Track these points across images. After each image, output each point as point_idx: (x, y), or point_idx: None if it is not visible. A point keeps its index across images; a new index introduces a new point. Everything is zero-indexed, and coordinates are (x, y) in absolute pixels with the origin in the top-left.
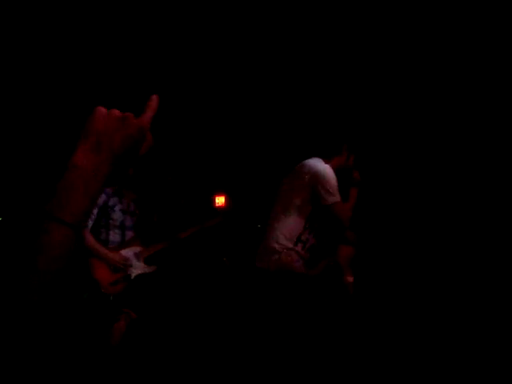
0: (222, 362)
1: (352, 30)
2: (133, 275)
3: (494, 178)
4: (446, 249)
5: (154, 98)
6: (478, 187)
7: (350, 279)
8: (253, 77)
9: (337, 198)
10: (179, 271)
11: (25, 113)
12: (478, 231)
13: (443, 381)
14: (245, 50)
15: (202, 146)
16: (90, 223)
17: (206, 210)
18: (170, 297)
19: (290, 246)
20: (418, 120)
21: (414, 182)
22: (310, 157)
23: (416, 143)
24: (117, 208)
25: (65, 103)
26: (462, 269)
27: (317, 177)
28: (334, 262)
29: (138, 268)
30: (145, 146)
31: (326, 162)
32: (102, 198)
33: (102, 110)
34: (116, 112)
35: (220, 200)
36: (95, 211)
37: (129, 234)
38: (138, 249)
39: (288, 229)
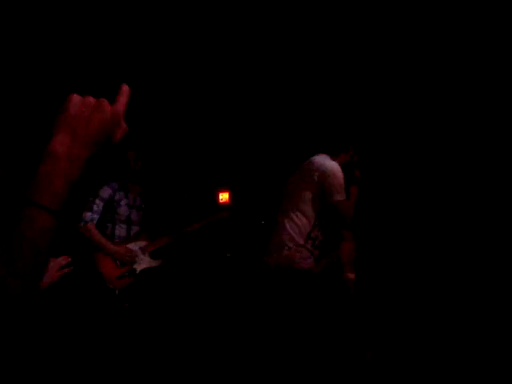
0: (226, 356)
1: (363, 32)
2: (138, 269)
3: (494, 176)
4: (447, 247)
5: (125, 86)
6: (478, 188)
7: (351, 276)
8: (258, 73)
9: (343, 195)
10: (184, 266)
11: None
12: (479, 230)
13: (444, 379)
14: (250, 46)
15: (206, 141)
16: (96, 217)
17: (209, 206)
18: (175, 291)
19: (301, 242)
20: (421, 120)
21: (415, 180)
22: (315, 153)
23: (417, 142)
24: (123, 202)
25: (39, 91)
26: (464, 265)
27: (325, 174)
28: (337, 259)
29: (143, 262)
30: (120, 132)
31: (333, 159)
32: (108, 192)
33: (77, 96)
34: (90, 98)
35: (224, 196)
36: (101, 205)
37: (134, 229)
38: (143, 243)
39: (298, 226)
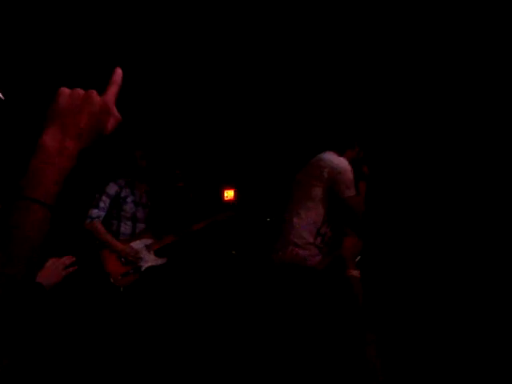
0: (231, 353)
1: (367, 32)
2: (143, 267)
3: (496, 175)
4: (450, 247)
5: (118, 71)
6: (482, 185)
7: (354, 273)
8: (263, 72)
9: (353, 191)
10: (189, 264)
11: None
12: (482, 229)
13: (445, 377)
14: (255, 44)
15: (212, 139)
16: (102, 214)
17: (215, 204)
18: (180, 289)
19: (311, 240)
20: (426, 118)
21: (421, 177)
22: (320, 150)
23: (422, 140)
24: (129, 199)
25: (30, 85)
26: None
27: (336, 170)
28: (339, 255)
29: (148, 260)
30: (112, 121)
31: (339, 156)
32: (114, 189)
33: (66, 90)
34: (79, 91)
35: (229, 194)
36: (107, 202)
37: (140, 226)
38: (148, 241)
39: (308, 223)
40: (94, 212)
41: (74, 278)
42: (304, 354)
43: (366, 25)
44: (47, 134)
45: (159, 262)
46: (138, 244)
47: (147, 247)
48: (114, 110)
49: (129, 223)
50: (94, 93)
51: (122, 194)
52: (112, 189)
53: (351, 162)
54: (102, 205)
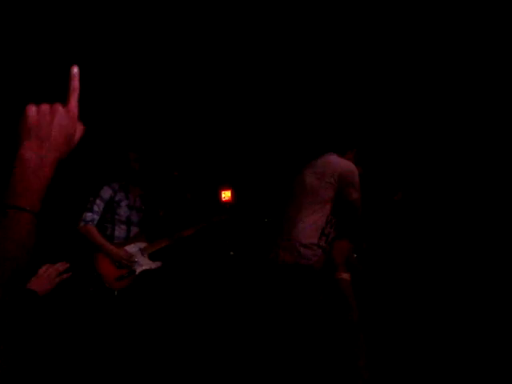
0: (229, 355)
1: (370, 37)
2: (138, 271)
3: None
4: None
5: (74, 74)
6: (483, 185)
7: (344, 275)
8: (260, 72)
9: (360, 193)
10: (184, 268)
11: None
12: (482, 229)
13: (445, 376)
14: (254, 45)
15: (208, 140)
16: (96, 218)
17: (212, 205)
18: (175, 293)
19: (315, 241)
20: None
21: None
22: (317, 151)
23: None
24: (123, 203)
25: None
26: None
27: (345, 173)
28: (330, 258)
29: (143, 264)
30: (79, 129)
31: (342, 158)
32: (108, 193)
33: (32, 107)
34: (45, 106)
35: (226, 194)
36: (101, 206)
37: (134, 230)
38: (143, 245)
39: (314, 223)
40: (88, 215)
41: (68, 281)
42: (304, 354)
43: (367, 28)
44: (25, 148)
45: (154, 265)
46: (132, 248)
47: (141, 251)
48: (78, 120)
49: (123, 227)
50: (60, 105)
51: (116, 198)
52: (106, 192)
53: None
54: (95, 208)
